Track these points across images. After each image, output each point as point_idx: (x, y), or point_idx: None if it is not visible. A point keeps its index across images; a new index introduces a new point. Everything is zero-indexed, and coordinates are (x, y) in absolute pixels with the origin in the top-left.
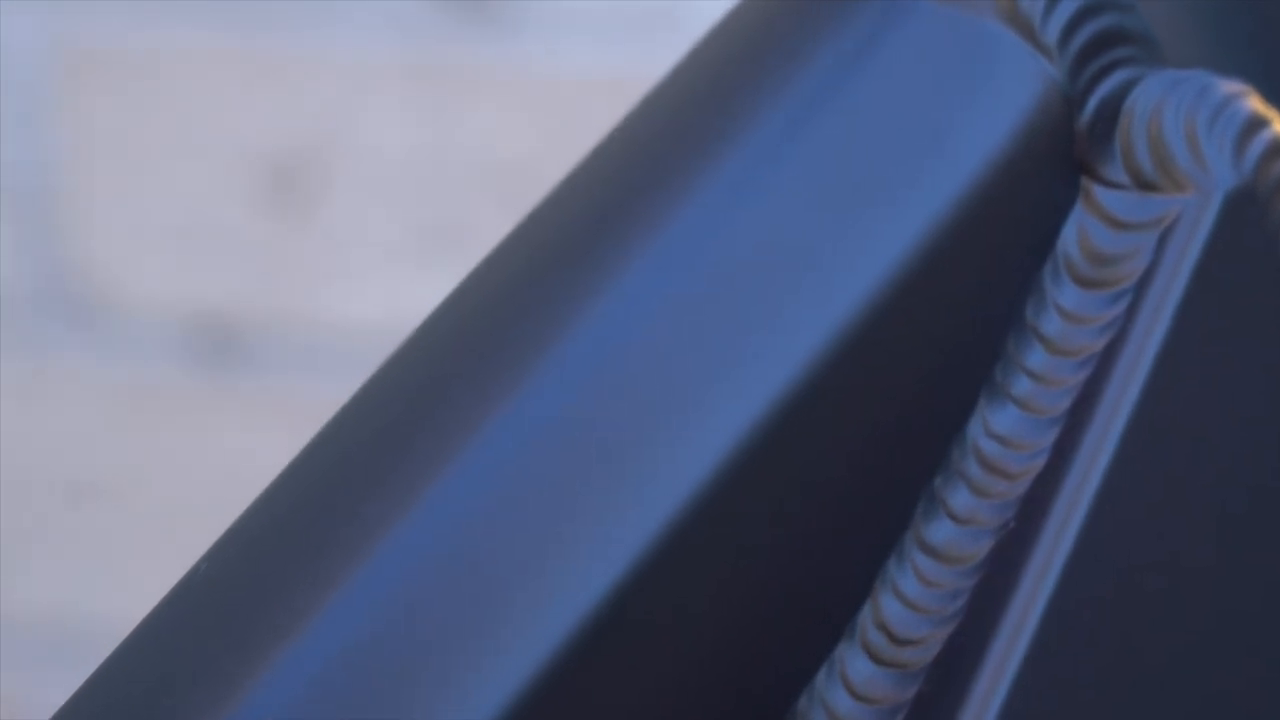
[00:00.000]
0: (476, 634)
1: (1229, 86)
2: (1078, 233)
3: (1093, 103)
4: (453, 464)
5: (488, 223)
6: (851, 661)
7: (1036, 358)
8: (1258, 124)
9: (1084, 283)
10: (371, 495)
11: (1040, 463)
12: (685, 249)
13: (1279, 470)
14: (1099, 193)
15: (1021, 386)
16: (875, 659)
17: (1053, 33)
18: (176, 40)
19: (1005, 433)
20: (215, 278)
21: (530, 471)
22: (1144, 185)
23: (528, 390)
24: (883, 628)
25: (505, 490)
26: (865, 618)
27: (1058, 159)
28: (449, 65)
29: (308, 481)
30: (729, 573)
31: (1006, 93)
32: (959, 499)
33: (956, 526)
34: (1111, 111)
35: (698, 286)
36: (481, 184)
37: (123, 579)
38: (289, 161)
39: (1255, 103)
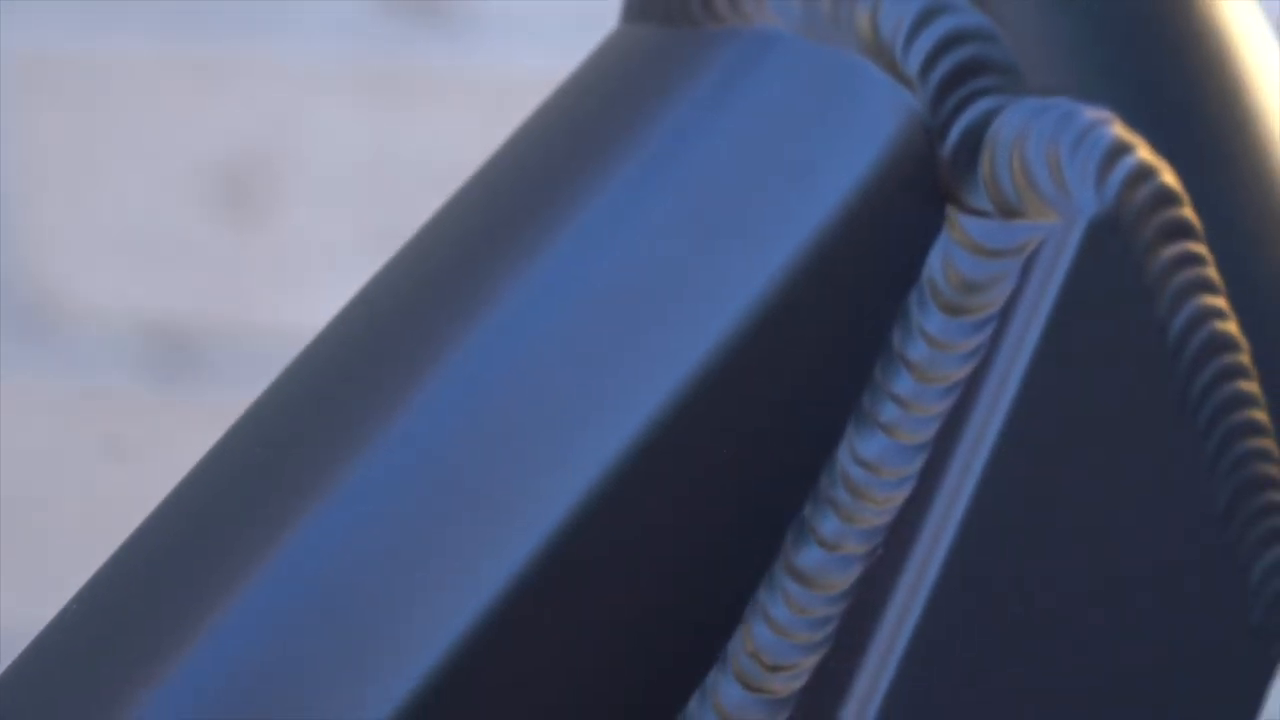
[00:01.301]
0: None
1: (1092, 113)
2: (943, 260)
3: (955, 132)
4: (334, 489)
5: None
6: (723, 688)
7: (903, 384)
8: (1120, 150)
9: (950, 309)
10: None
11: (907, 490)
12: (555, 280)
13: (1142, 491)
14: (963, 220)
15: (889, 413)
16: (746, 685)
17: (914, 64)
18: (128, 48)
19: (873, 459)
20: (168, 287)
21: (385, 513)
22: (1008, 212)
23: (390, 435)
24: (754, 655)
25: (363, 536)
26: (737, 645)
27: (921, 188)
28: (400, 70)
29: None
30: (597, 599)
31: (868, 124)
32: (828, 525)
33: (825, 553)
34: (974, 140)
35: (562, 324)
36: (435, 188)
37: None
38: (241, 168)
39: (1118, 129)
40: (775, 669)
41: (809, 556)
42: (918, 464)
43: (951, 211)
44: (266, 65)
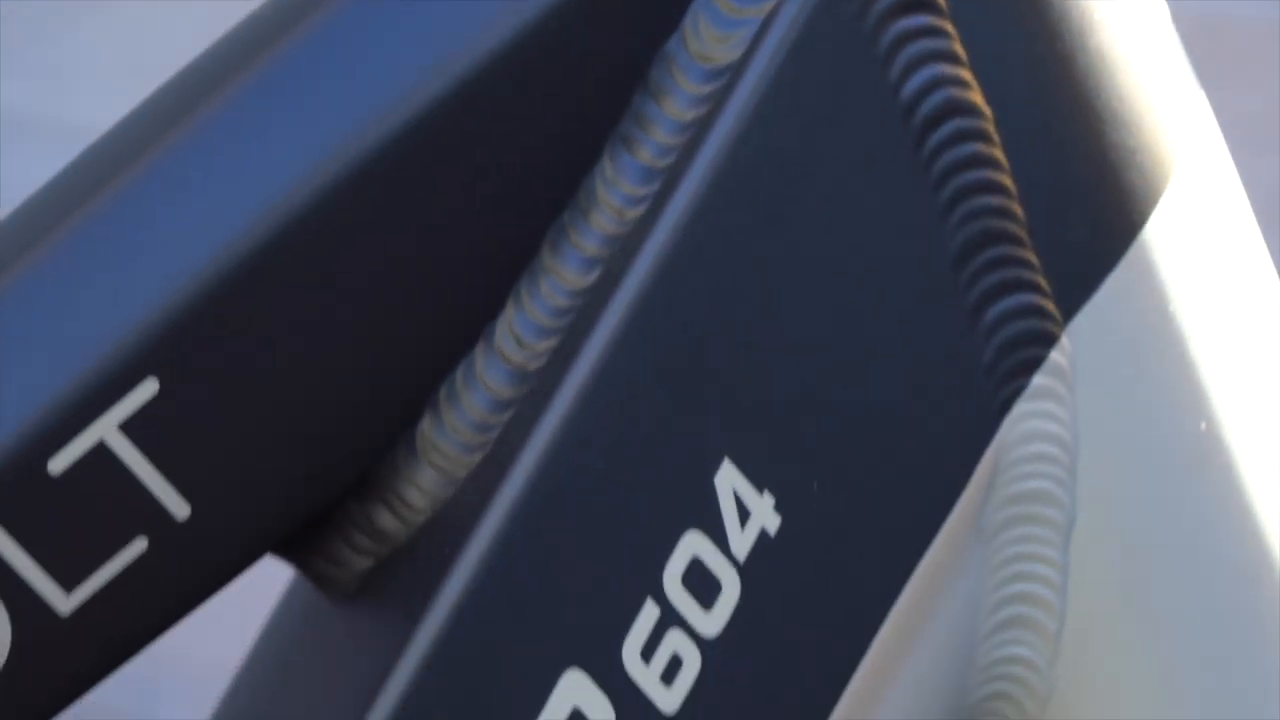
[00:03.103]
0: None
1: None
2: (698, 11)
3: None
4: None
5: None
6: (485, 359)
7: (651, 112)
8: None
9: (698, 56)
10: None
11: (641, 209)
12: None
13: (871, 240)
14: None
15: (636, 135)
16: (504, 359)
17: None
18: None
19: (615, 175)
20: None
21: None
22: None
23: None
24: (512, 333)
25: None
26: (501, 325)
27: None
28: None
29: None
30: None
31: None
32: (579, 231)
33: (575, 252)
34: None
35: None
36: None
37: None
38: None
39: None
40: (524, 346)
41: (562, 256)
42: (653, 188)
43: None
44: None
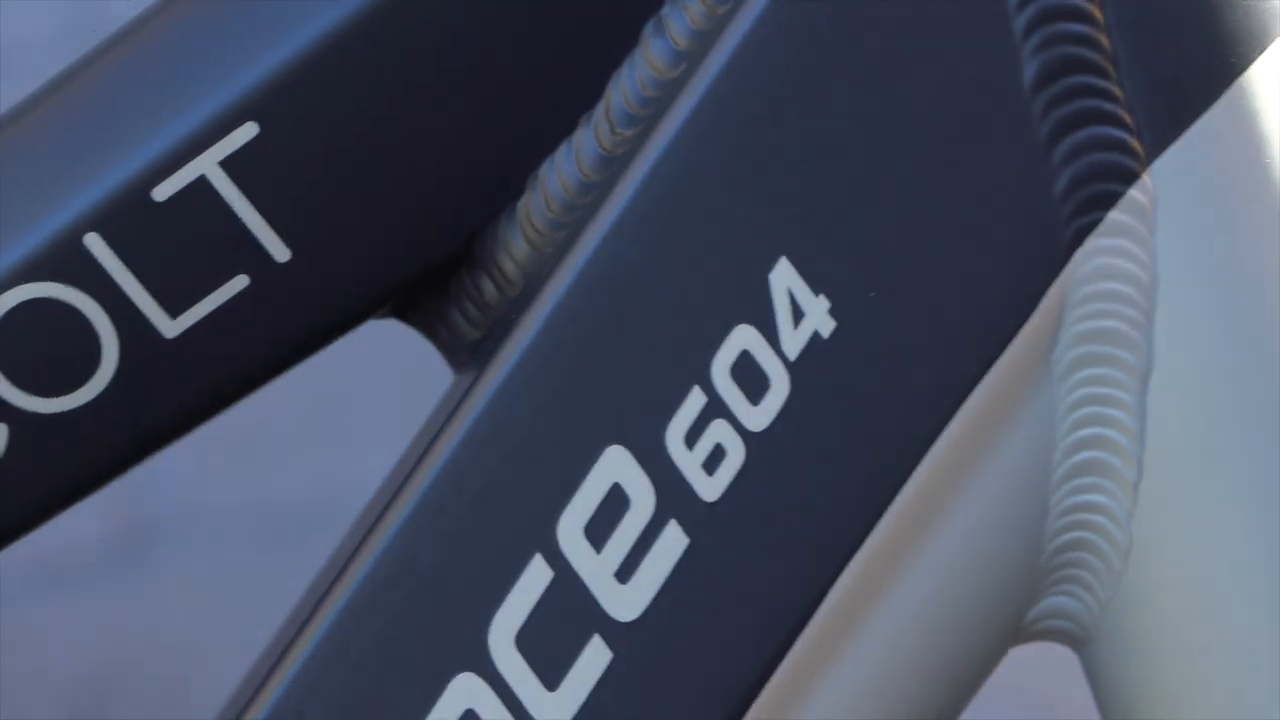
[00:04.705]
0: None
1: None
2: None
3: None
4: None
5: None
6: (584, 140)
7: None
8: None
9: None
10: None
11: (730, 4)
12: None
13: (944, 65)
14: None
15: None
16: (599, 143)
17: None
18: None
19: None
20: None
21: None
22: None
23: None
24: (608, 119)
25: None
26: (598, 112)
27: None
28: None
29: None
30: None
31: None
32: (677, 27)
33: (672, 48)
34: None
35: None
36: None
37: None
38: None
39: None
40: (615, 133)
41: (657, 48)
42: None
43: None
44: None
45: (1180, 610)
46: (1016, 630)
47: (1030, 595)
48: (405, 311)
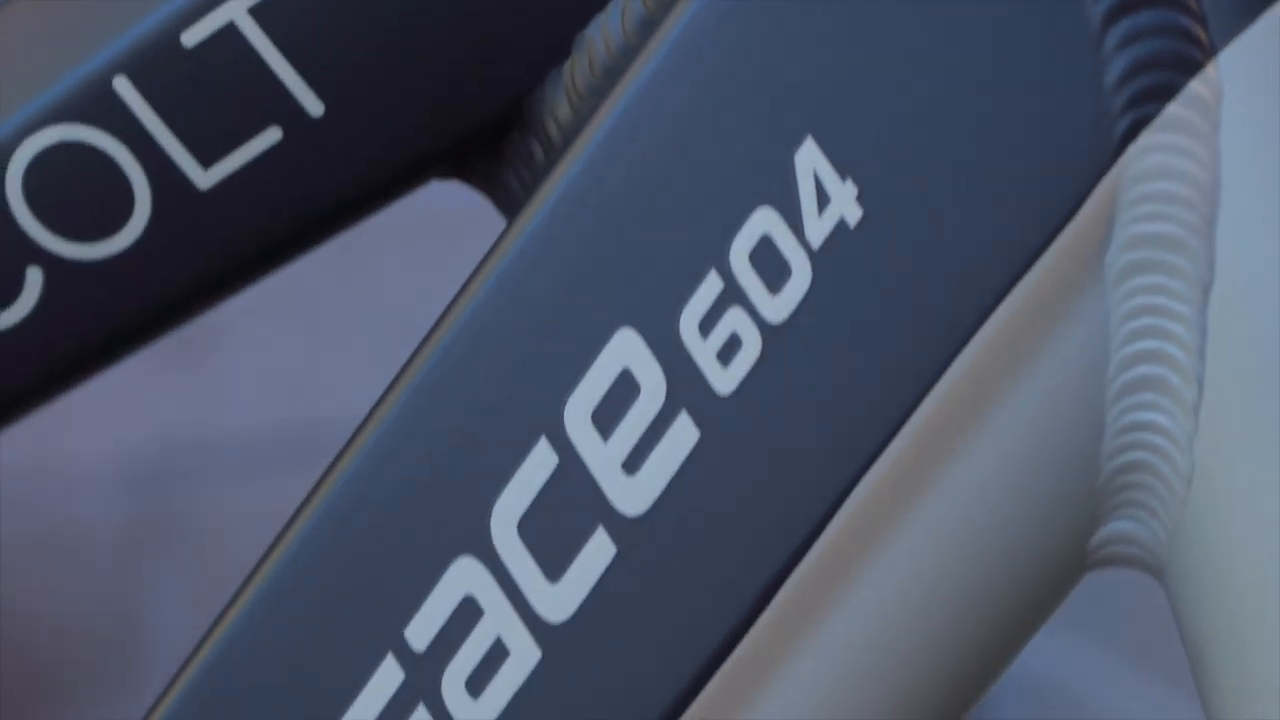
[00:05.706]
0: None
1: None
2: None
3: None
4: None
5: None
6: (630, 4)
7: None
8: None
9: None
10: None
11: None
12: None
13: None
14: None
15: None
16: (644, 3)
17: None
18: None
19: None
20: None
21: None
22: None
23: None
24: None
25: None
26: None
27: None
28: None
29: None
30: None
31: None
32: None
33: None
34: None
35: None
36: None
37: None
38: None
39: None
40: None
41: None
42: None
43: None
44: None
45: (1248, 541)
46: (1082, 555)
47: (1092, 518)
48: (465, 174)
